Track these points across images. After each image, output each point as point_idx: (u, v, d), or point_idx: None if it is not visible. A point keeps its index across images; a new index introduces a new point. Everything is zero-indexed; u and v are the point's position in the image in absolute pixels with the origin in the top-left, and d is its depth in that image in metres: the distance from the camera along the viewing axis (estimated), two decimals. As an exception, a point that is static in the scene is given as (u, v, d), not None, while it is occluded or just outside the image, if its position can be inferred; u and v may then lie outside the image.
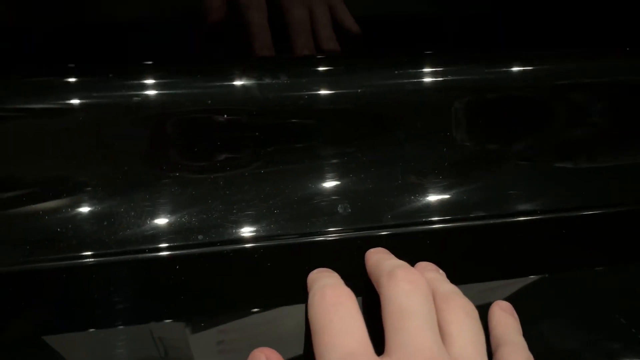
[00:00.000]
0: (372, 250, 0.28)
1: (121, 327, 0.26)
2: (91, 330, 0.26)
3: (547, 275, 0.31)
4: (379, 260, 0.26)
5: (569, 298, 0.31)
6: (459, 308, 0.23)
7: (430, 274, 0.26)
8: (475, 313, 0.24)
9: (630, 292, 0.31)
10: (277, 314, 0.27)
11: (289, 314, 0.27)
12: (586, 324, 0.30)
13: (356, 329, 0.21)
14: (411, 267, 0.24)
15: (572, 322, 0.30)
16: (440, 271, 0.27)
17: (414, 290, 0.23)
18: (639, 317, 0.29)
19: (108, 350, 0.26)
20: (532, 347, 0.25)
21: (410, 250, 0.28)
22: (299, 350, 0.26)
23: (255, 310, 0.27)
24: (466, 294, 0.25)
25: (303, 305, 0.26)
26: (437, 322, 0.23)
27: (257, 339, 0.27)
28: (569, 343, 0.29)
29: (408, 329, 0.21)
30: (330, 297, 0.22)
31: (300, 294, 0.26)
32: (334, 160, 0.30)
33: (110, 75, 0.28)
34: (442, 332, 0.23)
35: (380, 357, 0.21)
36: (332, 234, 0.29)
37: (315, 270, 0.27)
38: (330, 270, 0.27)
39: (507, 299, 0.28)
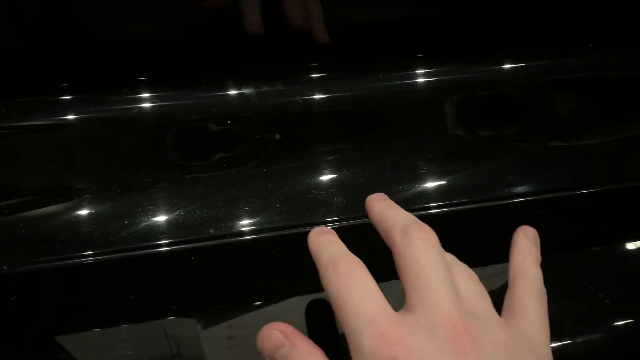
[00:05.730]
0: (372, 197, 0.28)
1: (134, 324, 0.28)
2: (101, 329, 0.28)
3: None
4: (384, 211, 0.26)
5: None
6: (462, 271, 0.25)
7: None
8: (475, 276, 0.25)
9: (600, 265, 0.34)
10: (284, 308, 0.29)
11: (296, 307, 0.29)
12: (560, 292, 0.32)
13: (374, 294, 0.22)
14: (421, 222, 0.25)
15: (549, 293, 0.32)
16: None
17: (430, 248, 0.23)
18: (606, 284, 0.32)
19: (121, 349, 0.27)
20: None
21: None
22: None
23: (264, 304, 0.29)
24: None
25: (309, 297, 0.28)
26: None
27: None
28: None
29: (428, 287, 0.22)
30: (343, 268, 0.23)
31: (303, 282, 0.28)
32: (329, 158, 0.33)
33: (112, 91, 0.30)
34: None
35: (401, 312, 0.22)
36: (330, 223, 0.32)
37: (314, 232, 0.27)
38: (328, 230, 0.27)
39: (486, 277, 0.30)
